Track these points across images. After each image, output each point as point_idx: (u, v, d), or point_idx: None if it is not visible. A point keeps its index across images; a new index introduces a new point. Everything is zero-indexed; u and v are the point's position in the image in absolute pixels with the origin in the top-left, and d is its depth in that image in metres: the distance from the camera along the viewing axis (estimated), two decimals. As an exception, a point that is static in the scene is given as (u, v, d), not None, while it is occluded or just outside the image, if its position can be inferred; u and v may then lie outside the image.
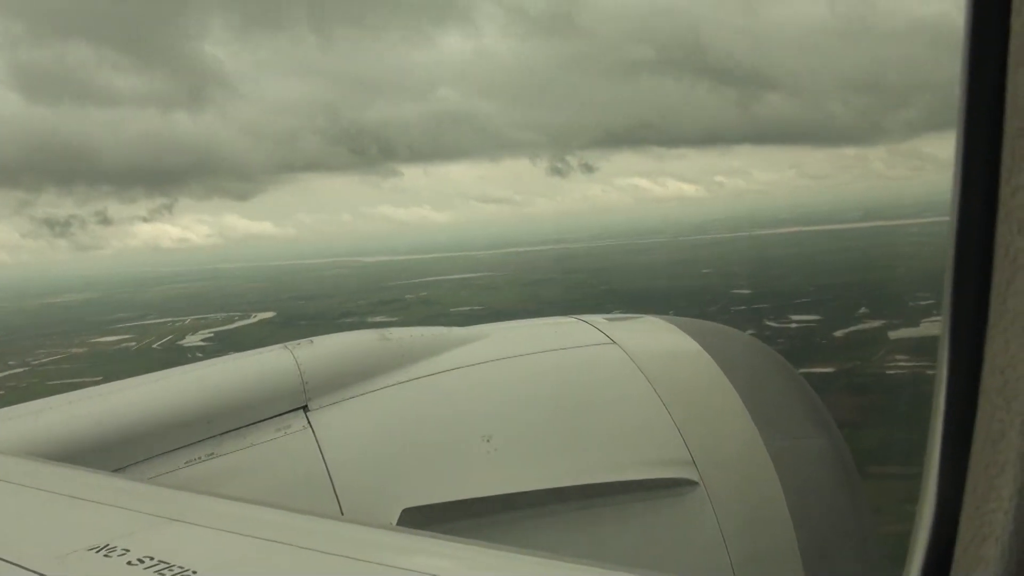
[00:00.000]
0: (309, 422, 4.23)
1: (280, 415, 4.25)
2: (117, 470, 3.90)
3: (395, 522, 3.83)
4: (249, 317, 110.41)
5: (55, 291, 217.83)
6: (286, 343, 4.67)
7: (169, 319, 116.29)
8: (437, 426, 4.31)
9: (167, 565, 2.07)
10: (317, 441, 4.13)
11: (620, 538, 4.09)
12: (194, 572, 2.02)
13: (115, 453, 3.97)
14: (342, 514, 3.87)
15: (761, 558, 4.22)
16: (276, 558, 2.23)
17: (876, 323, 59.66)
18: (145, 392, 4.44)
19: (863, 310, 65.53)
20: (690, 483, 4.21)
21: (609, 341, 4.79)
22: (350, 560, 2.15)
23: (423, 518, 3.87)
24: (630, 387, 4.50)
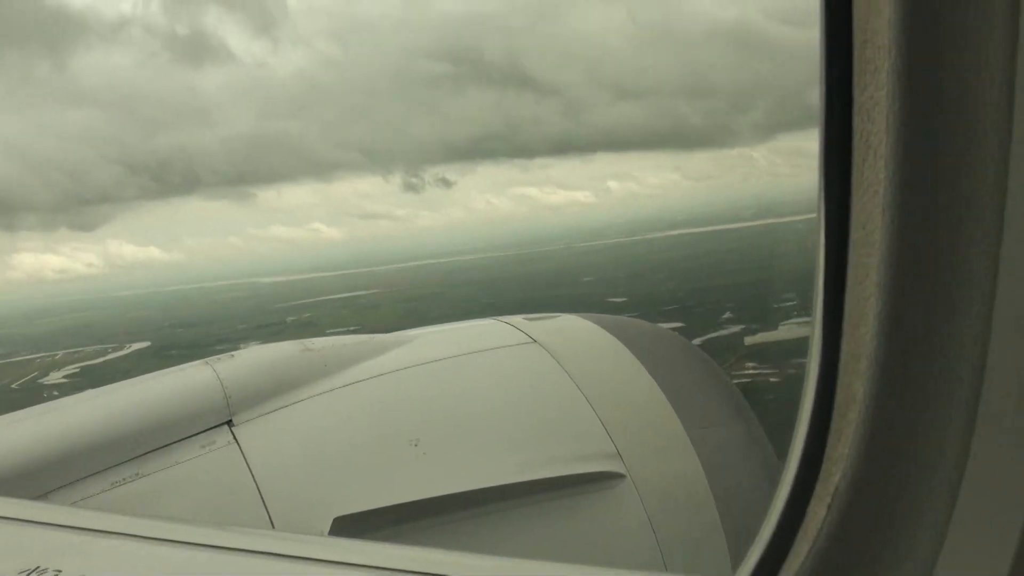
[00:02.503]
0: (235, 436, 4.19)
1: (205, 431, 4.18)
2: (43, 495, 3.80)
3: (327, 531, 3.80)
4: (123, 348, 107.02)
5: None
6: (207, 359, 4.66)
7: (40, 355, 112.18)
8: (364, 433, 4.30)
9: None
10: (243, 455, 4.08)
11: (552, 533, 4.10)
12: None
13: (39, 478, 3.87)
14: (273, 527, 3.83)
15: (688, 540, 4.24)
16: (209, 572, 2.24)
17: (736, 328, 59.99)
18: (66, 415, 4.39)
19: (727, 315, 66.00)
20: (617, 475, 4.24)
21: (530, 340, 4.82)
22: (282, 570, 2.14)
23: (355, 526, 3.83)
24: (553, 385, 4.53)
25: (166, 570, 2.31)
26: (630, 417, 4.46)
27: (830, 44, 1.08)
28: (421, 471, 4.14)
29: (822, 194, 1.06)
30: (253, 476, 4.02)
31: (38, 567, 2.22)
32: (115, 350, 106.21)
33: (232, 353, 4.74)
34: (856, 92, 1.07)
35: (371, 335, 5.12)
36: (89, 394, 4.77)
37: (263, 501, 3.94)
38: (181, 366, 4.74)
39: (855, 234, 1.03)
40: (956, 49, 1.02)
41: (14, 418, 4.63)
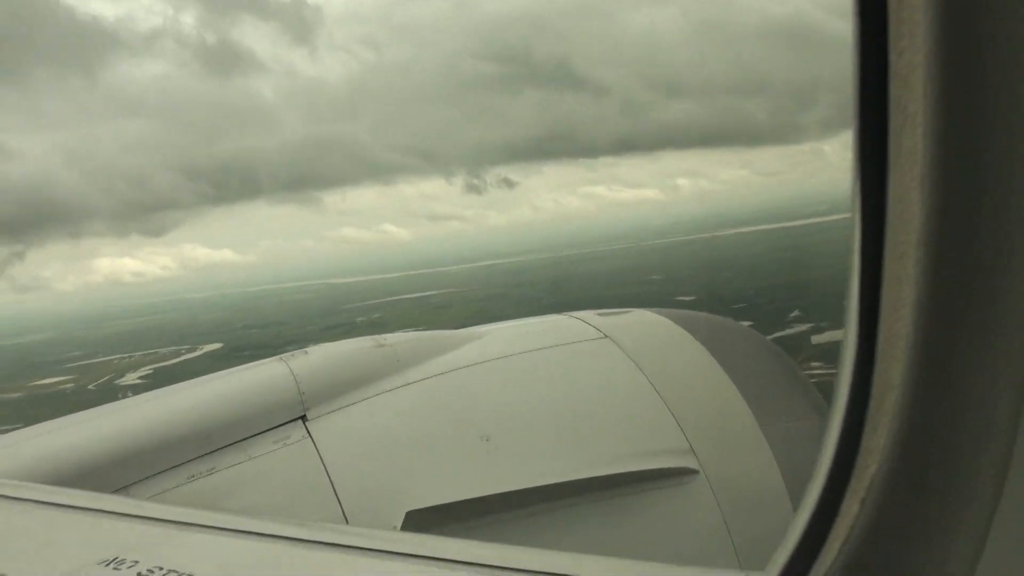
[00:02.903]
0: (308, 431, 4.24)
1: (279, 426, 4.24)
2: (120, 489, 3.88)
3: (399, 526, 3.83)
4: (196, 350, 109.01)
5: (18, 332, 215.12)
6: (281, 355, 4.74)
7: (118, 356, 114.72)
8: (435, 428, 4.30)
9: (177, 574, 2.12)
10: (317, 450, 4.13)
11: (624, 530, 4.09)
12: None
13: (118, 473, 3.95)
14: (346, 521, 3.87)
15: (763, 539, 4.03)
16: (283, 564, 2.29)
17: (803, 327, 59.01)
18: (145, 411, 4.49)
19: (795, 313, 64.95)
20: (690, 471, 4.22)
21: (601, 335, 4.81)
22: (355, 563, 2.18)
23: (427, 520, 3.85)
24: (625, 380, 4.50)
25: (240, 562, 2.36)
26: (703, 412, 4.44)
27: (862, 4, 1.01)
28: (492, 466, 4.15)
29: (857, 168, 1.00)
30: (327, 470, 4.06)
31: (116, 558, 2.27)
32: (188, 352, 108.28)
33: (306, 349, 4.79)
34: (892, 57, 1.00)
35: (442, 331, 5.16)
36: (166, 390, 4.88)
37: (336, 495, 3.97)
38: (256, 362, 4.84)
39: (892, 211, 0.97)
40: (999, 7, 0.94)
41: (94, 414, 4.72)
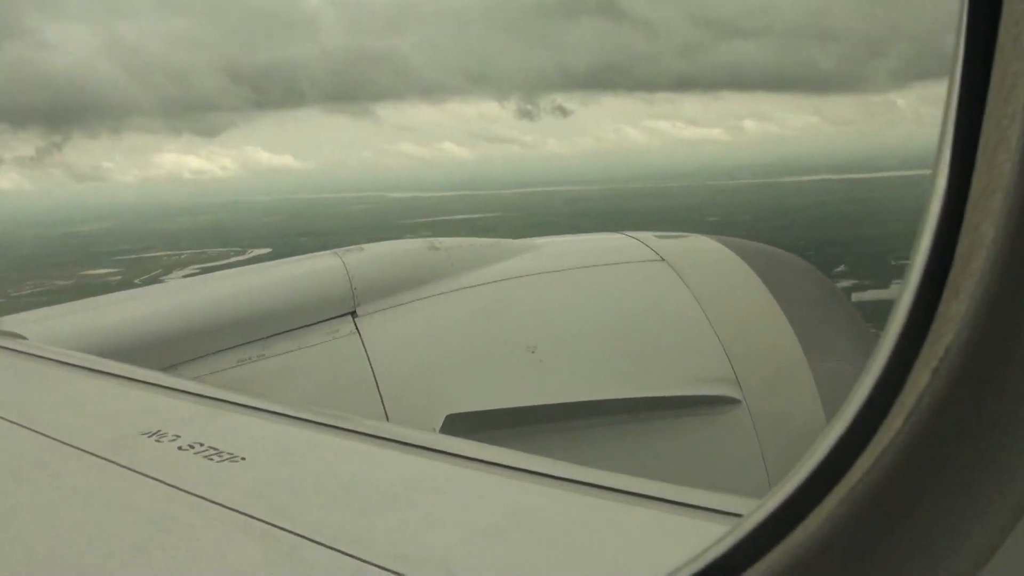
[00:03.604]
0: (357, 327, 4.29)
1: (329, 320, 4.30)
2: (170, 367, 3.95)
3: (438, 428, 3.88)
4: (245, 253, 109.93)
5: (82, 219, 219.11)
6: (336, 249, 4.73)
7: (168, 252, 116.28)
8: (483, 335, 4.35)
9: (216, 451, 2.17)
10: (364, 346, 4.19)
11: (660, 452, 4.10)
12: (242, 458, 2.13)
13: (168, 350, 4.02)
14: (387, 416, 3.94)
15: None
16: (321, 450, 2.32)
17: (847, 283, 57.68)
18: (198, 293, 4.56)
19: (841, 268, 63.37)
20: (733, 401, 4.21)
21: (658, 258, 4.74)
22: (393, 457, 2.22)
23: (466, 425, 3.88)
24: (677, 304, 4.49)
25: (280, 445, 2.40)
26: (752, 344, 4.41)
27: None
28: (536, 378, 4.17)
29: None
30: (372, 367, 4.11)
31: (159, 430, 2.32)
32: (237, 254, 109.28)
33: (361, 246, 4.78)
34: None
35: (498, 239, 5.11)
36: (221, 274, 4.99)
37: (379, 392, 4.03)
38: (311, 254, 4.87)
39: (1005, 33, 0.83)
40: None
41: (148, 292, 4.92)
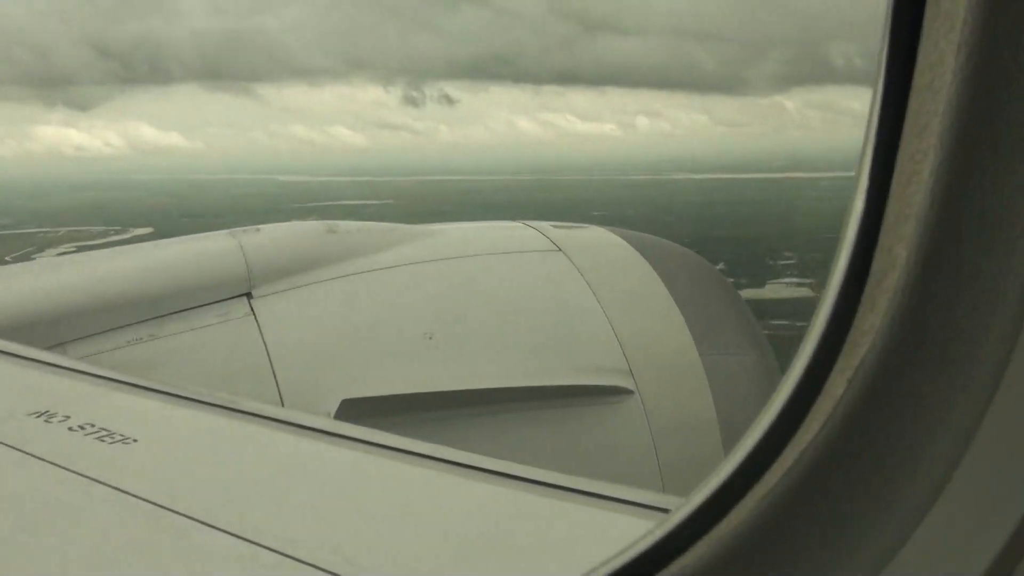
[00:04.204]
0: (252, 309, 4.22)
1: (223, 300, 4.23)
2: (56, 346, 3.85)
3: (333, 412, 3.86)
4: (126, 232, 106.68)
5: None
6: (232, 229, 4.72)
7: (44, 230, 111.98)
8: (380, 320, 4.38)
9: (108, 432, 2.13)
10: (259, 328, 4.15)
11: (553, 440, 4.14)
12: (134, 440, 2.10)
13: (54, 329, 3.92)
14: (282, 402, 3.89)
15: (688, 465, 4.19)
16: (214, 433, 2.32)
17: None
18: (88, 270, 4.49)
19: (719, 266, 64.87)
20: (626, 391, 4.24)
21: (554, 248, 4.77)
22: (287, 441, 2.21)
23: (361, 410, 3.85)
24: (572, 294, 4.55)
25: (172, 427, 2.38)
26: (646, 336, 4.49)
27: None
28: (432, 364, 4.19)
29: (888, 23, 0.90)
30: (267, 350, 4.07)
31: (47, 411, 2.29)
32: (118, 233, 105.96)
33: (258, 227, 4.79)
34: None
35: (396, 224, 5.15)
36: (112, 251, 4.99)
37: (275, 375, 3.99)
38: (206, 234, 4.82)
39: (920, 78, 0.88)
40: None
41: (29, 267, 4.88)
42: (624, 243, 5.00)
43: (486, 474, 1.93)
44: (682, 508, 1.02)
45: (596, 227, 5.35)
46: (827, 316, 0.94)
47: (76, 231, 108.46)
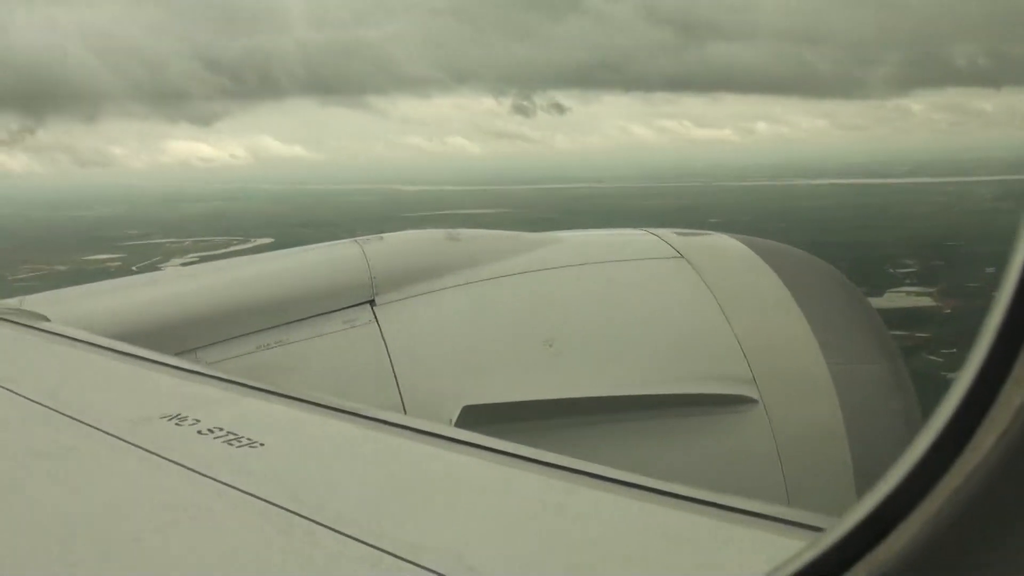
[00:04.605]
0: (375, 316, 4.31)
1: (347, 308, 4.33)
2: (187, 352, 3.97)
3: (454, 418, 3.86)
4: (248, 241, 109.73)
5: (89, 204, 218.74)
6: (356, 237, 4.77)
7: (171, 240, 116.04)
8: (501, 328, 4.39)
9: (235, 436, 2.20)
10: (383, 335, 4.22)
11: (674, 450, 4.08)
12: (261, 444, 2.15)
13: (188, 335, 4.06)
14: (403, 406, 3.95)
15: (815, 478, 4.15)
16: (339, 438, 2.36)
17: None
18: (219, 278, 4.64)
19: (838, 274, 63.08)
20: (749, 400, 4.16)
21: (677, 255, 4.72)
22: (410, 448, 2.24)
23: (482, 417, 3.84)
24: (695, 302, 4.46)
25: (296, 431, 2.44)
26: (770, 344, 4.39)
27: None
28: (553, 372, 4.18)
29: None
30: (390, 356, 4.13)
31: (179, 414, 2.36)
32: (240, 242, 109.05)
33: (381, 235, 4.83)
34: None
35: (518, 232, 5.13)
36: (242, 260, 5.08)
37: (397, 381, 4.06)
38: (331, 242, 4.94)
39: None
40: None
41: (171, 274, 5.13)
42: (747, 249, 4.92)
43: (607, 483, 1.91)
44: (837, 527, 0.96)
45: (719, 234, 5.24)
46: (1003, 317, 0.86)
47: (201, 241, 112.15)
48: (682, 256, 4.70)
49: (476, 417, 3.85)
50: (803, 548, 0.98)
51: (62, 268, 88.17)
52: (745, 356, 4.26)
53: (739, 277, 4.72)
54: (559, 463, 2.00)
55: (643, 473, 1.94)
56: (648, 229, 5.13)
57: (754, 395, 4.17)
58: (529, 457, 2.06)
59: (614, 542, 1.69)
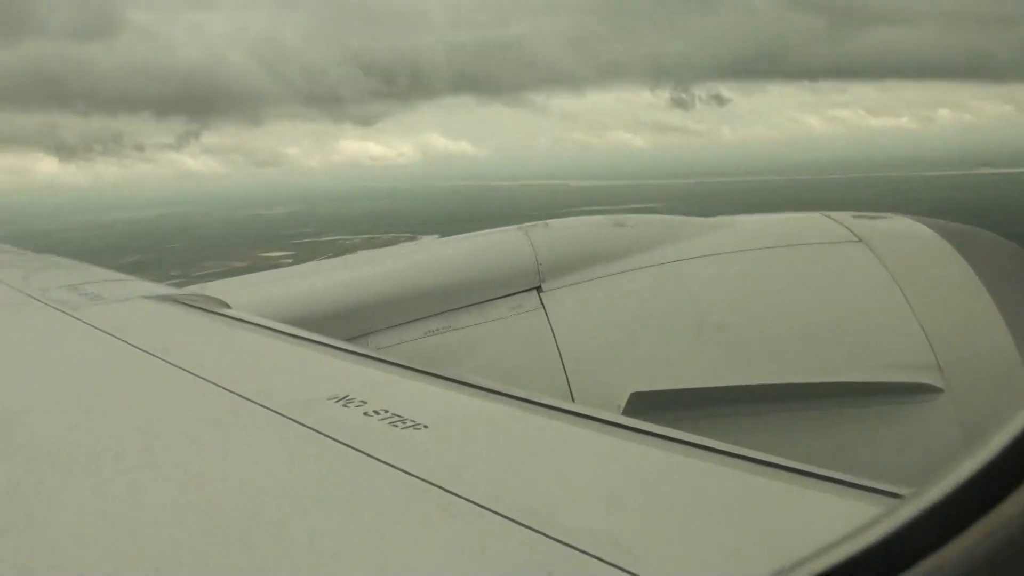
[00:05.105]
0: (542, 302, 4.34)
1: (514, 294, 4.38)
2: (359, 337, 4.14)
3: (622, 405, 3.83)
4: (415, 239, 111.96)
5: (266, 203, 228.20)
6: (521, 224, 4.82)
7: (343, 236, 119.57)
8: (671, 313, 4.29)
9: (400, 418, 2.24)
10: (549, 321, 4.24)
11: (853, 441, 3.98)
12: (425, 426, 2.19)
13: (358, 321, 4.21)
14: (571, 393, 3.96)
15: None
16: (504, 423, 2.37)
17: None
18: (388, 264, 4.82)
19: None
20: (934, 389, 4.00)
21: (855, 239, 4.57)
22: (578, 434, 2.24)
23: (651, 404, 3.81)
24: (874, 286, 4.32)
25: (460, 414, 2.46)
26: (956, 330, 4.19)
27: None
28: (725, 359, 4.08)
29: None
30: (556, 343, 4.14)
31: (346, 396, 2.42)
32: (407, 239, 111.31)
33: (547, 221, 4.85)
34: None
35: (687, 217, 5.02)
36: (409, 246, 5.48)
37: (564, 367, 4.05)
38: (496, 229, 4.98)
39: None
40: None
41: (336, 264, 5.10)
42: (931, 232, 4.63)
43: (781, 471, 1.86)
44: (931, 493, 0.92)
45: (900, 216, 4.98)
46: None
47: (371, 238, 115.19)
48: (860, 240, 4.49)
49: (645, 404, 3.78)
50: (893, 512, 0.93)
51: (239, 264, 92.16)
52: (930, 343, 4.04)
53: (922, 260, 4.47)
54: (731, 451, 1.97)
55: (821, 464, 1.87)
56: (825, 213, 4.91)
57: (939, 383, 3.95)
58: (699, 444, 2.02)
59: (787, 534, 1.62)
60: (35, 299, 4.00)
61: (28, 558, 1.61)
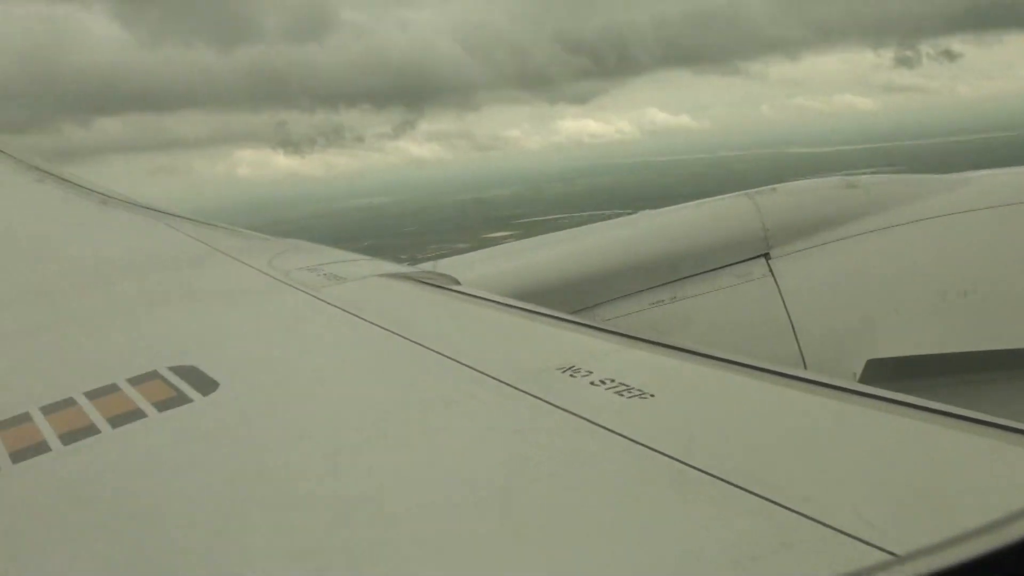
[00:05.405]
0: (771, 269, 4.31)
1: (741, 262, 4.37)
2: (584, 309, 4.24)
3: (858, 374, 3.81)
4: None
5: (488, 186, 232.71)
6: (748, 191, 4.77)
7: (567, 215, 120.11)
8: (908, 277, 4.21)
9: (627, 387, 2.24)
10: (779, 289, 4.21)
11: None
12: (651, 395, 2.19)
13: (584, 293, 4.30)
14: (803, 361, 3.95)
15: None
16: (732, 390, 2.34)
17: None
18: (611, 237, 4.85)
19: None
20: None
21: None
22: (813, 402, 2.18)
23: (889, 371, 3.76)
24: None
25: (688, 383, 2.43)
26: None
27: None
28: (967, 323, 3.94)
29: None
30: (787, 310, 4.10)
31: (573, 366, 2.43)
32: (614, 216, 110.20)
33: (773, 187, 4.74)
34: None
35: (923, 175, 4.83)
36: (633, 218, 5.14)
37: (796, 336, 4.00)
38: (721, 196, 4.87)
39: None
40: None
41: (567, 236, 5.10)
42: None
43: None
44: None
45: None
46: None
47: (594, 215, 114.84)
48: None
49: (882, 372, 3.67)
50: None
51: (463, 246, 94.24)
52: None
53: None
54: (982, 419, 1.85)
55: None
56: None
57: None
58: (946, 412, 1.91)
59: None
60: (280, 281, 4.14)
61: (311, 540, 1.66)
